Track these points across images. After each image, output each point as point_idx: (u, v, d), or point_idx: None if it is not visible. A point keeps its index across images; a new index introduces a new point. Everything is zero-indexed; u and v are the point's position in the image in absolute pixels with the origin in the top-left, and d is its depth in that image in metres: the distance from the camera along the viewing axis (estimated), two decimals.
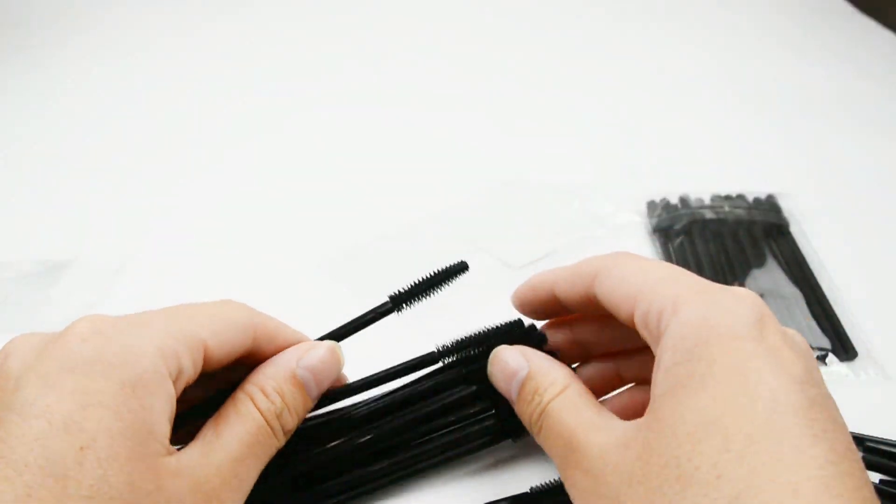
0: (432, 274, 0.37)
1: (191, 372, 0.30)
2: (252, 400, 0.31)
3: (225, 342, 0.32)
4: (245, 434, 0.30)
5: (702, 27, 0.99)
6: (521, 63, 0.90)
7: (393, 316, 0.38)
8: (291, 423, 0.33)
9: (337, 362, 0.35)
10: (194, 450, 0.30)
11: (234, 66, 0.90)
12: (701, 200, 0.64)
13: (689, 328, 0.27)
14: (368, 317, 0.38)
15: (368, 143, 0.76)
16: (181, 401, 0.30)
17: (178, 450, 0.30)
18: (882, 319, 0.51)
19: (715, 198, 0.64)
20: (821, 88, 0.84)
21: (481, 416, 0.43)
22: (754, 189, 0.65)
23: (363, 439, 0.42)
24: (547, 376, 0.33)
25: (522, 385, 0.34)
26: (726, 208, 0.62)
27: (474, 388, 0.44)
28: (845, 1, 1.05)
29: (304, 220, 0.64)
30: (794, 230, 0.61)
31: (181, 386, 0.30)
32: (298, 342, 0.36)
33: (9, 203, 0.68)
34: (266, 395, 0.32)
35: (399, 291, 0.37)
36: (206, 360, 0.31)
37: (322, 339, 0.37)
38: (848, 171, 0.71)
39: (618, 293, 0.31)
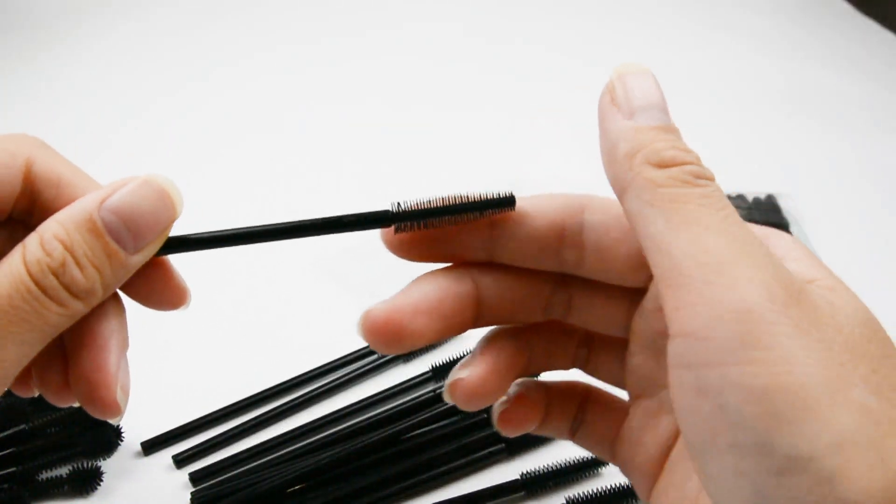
0: (464, 199, 0.26)
1: None
2: (23, 247, 0.23)
3: None
4: None
5: (701, 27, 0.99)
6: (520, 61, 0.90)
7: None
8: (85, 281, 0.23)
9: (166, 205, 0.25)
10: None
11: (230, 67, 0.89)
12: None
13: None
14: (350, 219, 0.28)
15: (368, 139, 0.75)
16: None
17: None
18: (881, 317, 0.51)
19: None
20: (821, 88, 0.84)
21: (473, 423, 0.44)
22: (754, 189, 0.65)
23: (356, 448, 0.43)
24: None
25: (669, 133, 0.24)
26: None
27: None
28: (845, 1, 1.05)
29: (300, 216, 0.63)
30: (794, 230, 0.61)
31: None
32: None
33: None
34: (42, 241, 0.23)
35: (407, 205, 0.27)
36: None
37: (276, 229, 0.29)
38: (848, 171, 0.71)
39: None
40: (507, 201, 0.26)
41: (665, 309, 0.21)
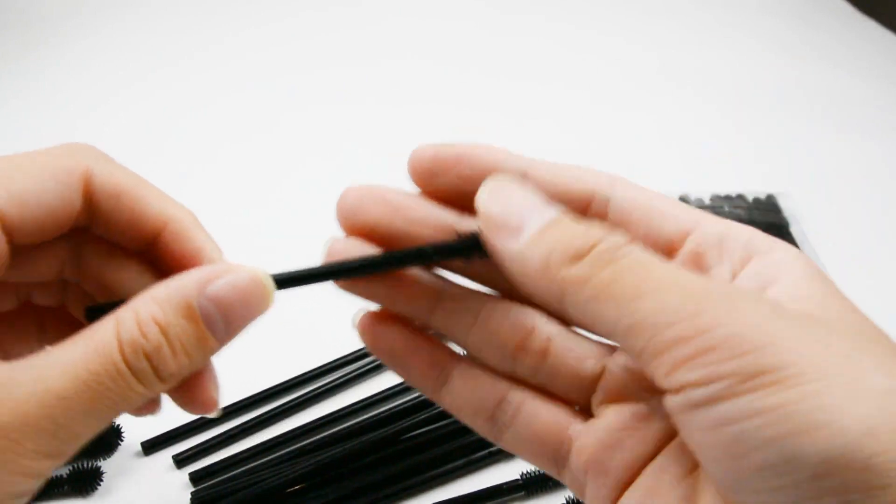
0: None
1: None
2: (117, 323, 0.23)
3: (24, 199, 0.24)
4: (81, 365, 0.22)
5: (701, 27, 0.99)
6: (520, 60, 0.90)
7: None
8: (174, 366, 0.23)
9: (262, 297, 0.25)
10: (3, 370, 0.22)
11: (230, 67, 0.90)
12: (701, 200, 0.64)
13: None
14: (445, 247, 0.25)
15: (367, 137, 0.75)
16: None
17: None
18: (880, 317, 0.51)
19: (715, 198, 0.64)
20: (821, 88, 0.84)
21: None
22: (754, 189, 0.65)
23: (356, 448, 0.43)
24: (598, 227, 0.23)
25: (559, 224, 0.23)
26: (726, 208, 0.62)
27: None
28: (845, 1, 1.05)
29: (301, 217, 0.64)
30: (794, 230, 0.61)
31: None
32: (179, 219, 0.27)
33: None
34: (139, 322, 0.23)
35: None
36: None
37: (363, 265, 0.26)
38: (847, 171, 0.71)
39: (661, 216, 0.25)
40: (469, 246, 0.24)
41: (656, 373, 0.21)
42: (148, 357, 0.23)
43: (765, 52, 0.93)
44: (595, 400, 0.26)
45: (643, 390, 0.25)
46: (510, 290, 0.26)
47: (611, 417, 0.26)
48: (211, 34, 0.97)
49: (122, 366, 0.22)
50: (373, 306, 0.28)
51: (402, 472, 0.42)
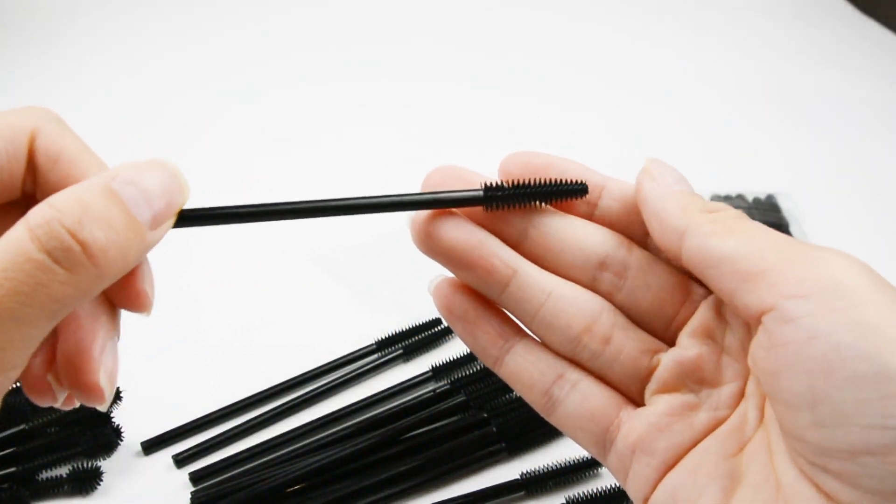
0: (545, 182, 0.28)
1: None
2: (27, 216, 0.21)
3: None
4: None
5: (701, 28, 0.99)
6: (519, 62, 0.90)
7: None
8: (104, 241, 0.21)
9: (178, 185, 0.24)
10: None
11: (234, 66, 0.90)
12: None
13: None
14: (445, 196, 0.27)
15: (367, 135, 0.75)
16: None
17: None
18: None
19: (715, 198, 0.64)
20: (820, 88, 0.84)
21: (473, 423, 0.44)
22: (754, 189, 0.65)
23: (356, 448, 0.43)
24: None
25: (700, 197, 0.27)
26: None
27: (464, 398, 0.45)
28: (845, 1, 1.05)
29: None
30: (794, 230, 0.61)
31: None
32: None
33: None
34: (53, 202, 0.21)
35: (496, 184, 0.28)
36: None
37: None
38: (847, 171, 0.71)
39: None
40: (581, 189, 0.28)
41: (751, 293, 0.23)
42: (71, 231, 0.20)
43: (765, 52, 0.93)
44: (648, 390, 0.28)
45: (694, 382, 0.27)
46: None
47: (661, 404, 0.27)
48: (214, 30, 0.97)
49: (35, 252, 0.20)
50: (449, 274, 0.29)
51: (402, 472, 0.42)
